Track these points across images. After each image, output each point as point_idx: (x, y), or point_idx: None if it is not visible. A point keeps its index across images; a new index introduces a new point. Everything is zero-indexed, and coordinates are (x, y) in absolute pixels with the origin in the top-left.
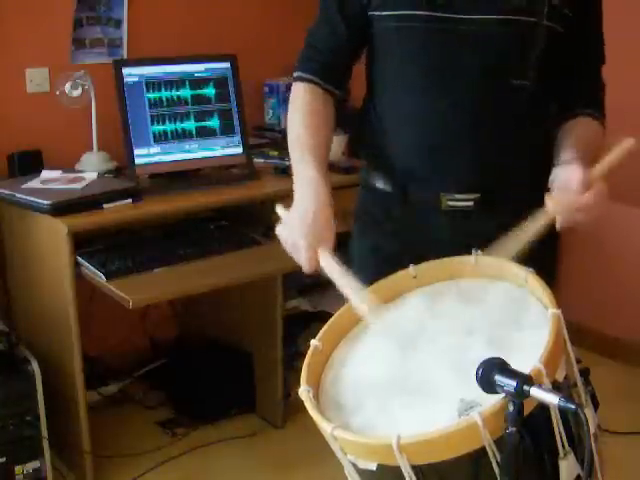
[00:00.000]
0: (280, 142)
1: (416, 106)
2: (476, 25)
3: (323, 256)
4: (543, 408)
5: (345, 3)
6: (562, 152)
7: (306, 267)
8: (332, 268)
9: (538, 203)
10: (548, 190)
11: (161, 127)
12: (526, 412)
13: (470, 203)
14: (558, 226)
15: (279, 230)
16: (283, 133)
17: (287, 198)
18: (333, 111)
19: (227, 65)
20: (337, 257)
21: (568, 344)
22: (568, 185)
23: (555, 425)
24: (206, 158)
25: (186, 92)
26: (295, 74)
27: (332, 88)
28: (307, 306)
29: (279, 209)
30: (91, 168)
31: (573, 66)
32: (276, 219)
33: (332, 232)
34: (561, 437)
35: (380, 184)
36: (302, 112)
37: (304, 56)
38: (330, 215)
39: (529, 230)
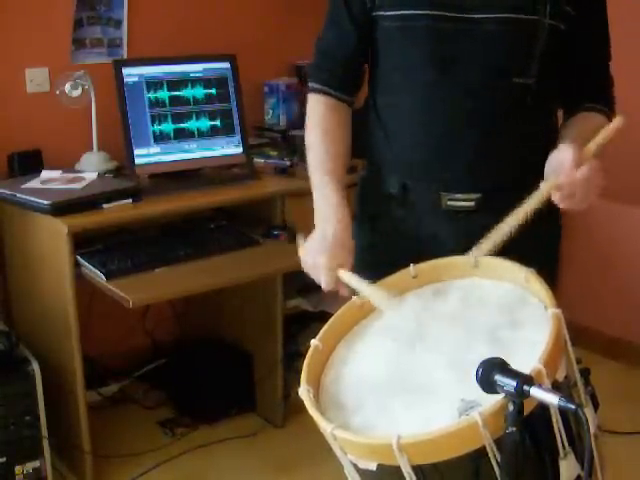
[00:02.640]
0: (280, 142)
1: (417, 105)
2: (478, 24)
3: (343, 275)
4: (543, 408)
5: (351, 5)
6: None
7: (325, 287)
8: (354, 284)
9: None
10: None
11: (161, 127)
12: (526, 412)
13: (471, 203)
14: (557, 200)
15: (300, 252)
16: (283, 133)
17: (287, 198)
18: (349, 120)
19: (227, 65)
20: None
21: (568, 344)
22: (561, 165)
23: (555, 425)
24: (206, 158)
25: (186, 92)
26: (309, 84)
27: (345, 96)
28: (307, 306)
29: (299, 239)
30: (91, 168)
31: (579, 64)
32: (276, 219)
33: (350, 253)
34: (561, 437)
35: (380, 183)
36: (319, 130)
37: (315, 64)
38: (348, 237)
39: (521, 212)
